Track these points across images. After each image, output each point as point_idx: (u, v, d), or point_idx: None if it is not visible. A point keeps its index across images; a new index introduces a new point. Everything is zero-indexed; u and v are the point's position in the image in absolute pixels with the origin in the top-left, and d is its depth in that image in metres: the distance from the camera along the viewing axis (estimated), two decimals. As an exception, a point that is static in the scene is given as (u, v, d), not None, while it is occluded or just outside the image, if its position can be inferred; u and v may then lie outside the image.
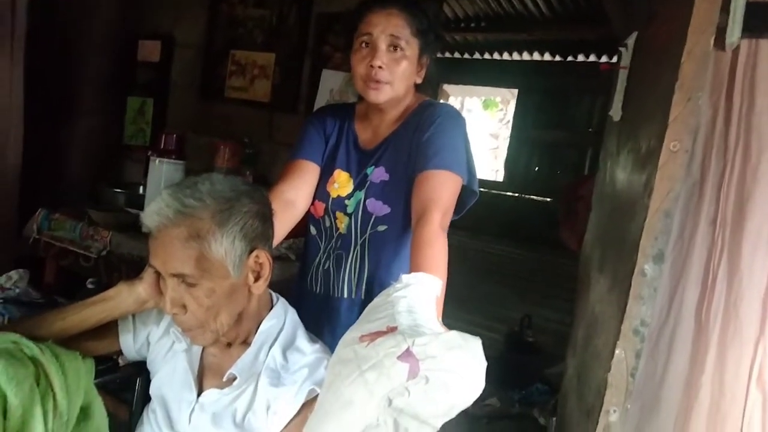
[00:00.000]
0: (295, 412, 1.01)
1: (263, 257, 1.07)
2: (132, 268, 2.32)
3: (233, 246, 1.02)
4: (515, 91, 4.83)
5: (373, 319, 0.96)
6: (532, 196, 4.13)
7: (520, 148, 4.45)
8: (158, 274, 1.08)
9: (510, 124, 5.84)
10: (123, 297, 1.10)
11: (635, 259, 1.38)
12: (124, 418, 1.26)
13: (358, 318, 1.40)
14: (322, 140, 1.51)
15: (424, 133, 1.36)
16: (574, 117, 4.29)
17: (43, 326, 1.08)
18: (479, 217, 3.86)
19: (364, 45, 1.35)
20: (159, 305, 1.10)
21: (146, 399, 1.23)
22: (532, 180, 4.22)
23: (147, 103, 3.45)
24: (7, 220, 2.90)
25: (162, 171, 2.33)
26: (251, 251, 1.06)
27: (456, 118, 1.42)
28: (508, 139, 4.41)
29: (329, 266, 1.48)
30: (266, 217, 1.10)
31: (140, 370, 1.25)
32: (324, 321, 1.44)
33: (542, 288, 4.16)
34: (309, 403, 1.01)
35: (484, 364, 0.79)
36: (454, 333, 0.81)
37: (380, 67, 1.33)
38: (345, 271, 1.46)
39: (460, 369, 0.79)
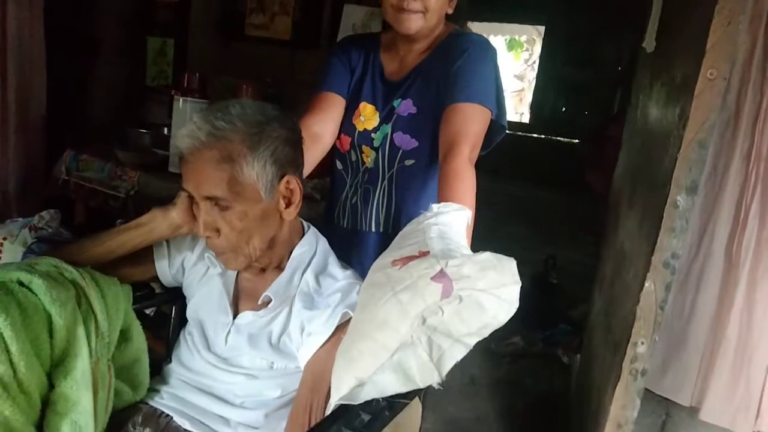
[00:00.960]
0: (329, 333, 1.03)
1: (294, 183, 1.08)
2: (161, 206, 2.35)
3: (264, 170, 1.03)
4: (541, 29, 4.69)
5: (404, 246, 0.96)
6: (558, 138, 4.05)
7: (546, 88, 4.34)
8: (191, 200, 1.09)
9: (536, 65, 5.70)
10: (157, 222, 1.11)
11: (668, 191, 1.36)
12: (160, 352, 1.30)
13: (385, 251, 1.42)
14: (347, 72, 1.48)
15: (453, 64, 1.33)
16: (603, 55, 4.14)
17: (81, 252, 1.10)
18: (504, 159, 3.80)
19: None
20: (192, 230, 1.12)
21: (182, 324, 1.27)
22: (558, 121, 4.12)
23: (167, 44, 3.41)
24: (35, 162, 2.94)
25: (186, 110, 2.32)
26: (282, 177, 1.06)
27: (487, 49, 1.37)
28: (534, 80, 4.29)
29: (357, 201, 1.48)
30: (296, 144, 1.10)
31: (175, 297, 1.27)
32: (352, 255, 1.45)
33: (567, 230, 4.13)
34: (342, 326, 1.03)
35: (518, 283, 0.79)
36: (488, 254, 0.80)
37: None
38: (372, 205, 1.46)
39: (495, 289, 0.79)
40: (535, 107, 4.52)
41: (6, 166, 2.83)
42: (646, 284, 1.38)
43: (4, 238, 2.43)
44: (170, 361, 1.22)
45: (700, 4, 1.39)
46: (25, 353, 0.89)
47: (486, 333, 0.82)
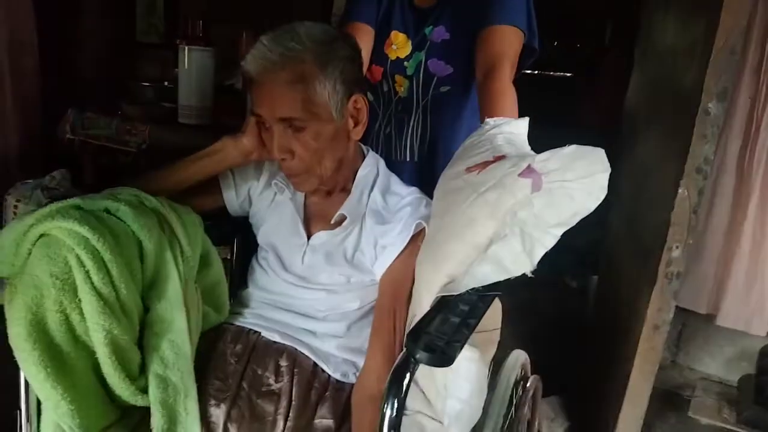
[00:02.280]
0: (404, 244, 1.07)
1: (361, 102, 1.10)
2: (175, 158, 2.33)
3: (335, 89, 1.04)
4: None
5: (472, 155, 0.99)
6: (550, 73, 4.07)
7: (537, 23, 4.32)
8: (260, 126, 1.10)
9: None
10: (229, 150, 1.13)
11: (698, 100, 1.40)
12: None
13: (422, 179, 1.46)
14: (374, 1, 1.47)
15: None
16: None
17: (155, 182, 1.12)
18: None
19: None
20: (263, 156, 1.14)
21: (246, 253, 1.30)
22: (550, 55, 4.12)
23: (157, -3, 3.33)
24: (33, 123, 2.89)
25: (192, 59, 2.29)
26: (350, 95, 1.08)
27: None
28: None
29: (390, 131, 1.50)
30: (359, 63, 1.12)
31: (238, 228, 1.30)
32: None
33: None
34: (417, 236, 1.07)
35: (608, 170, 0.83)
36: (575, 146, 0.85)
37: None
38: (407, 134, 1.48)
39: (583, 178, 0.83)
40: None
41: (4, 126, 2.77)
42: (680, 190, 1.44)
43: (18, 200, 2.41)
44: (246, 287, 1.26)
45: None
46: (123, 276, 0.92)
47: (574, 221, 0.86)
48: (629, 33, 2.55)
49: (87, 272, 0.89)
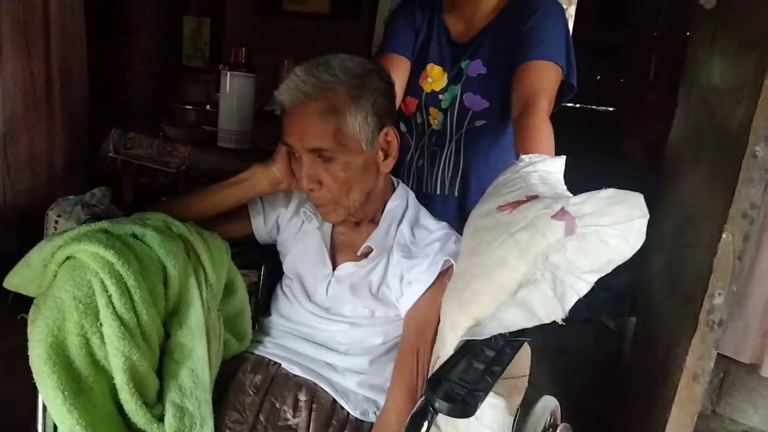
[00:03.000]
0: (431, 281, 1.05)
1: (392, 135, 1.09)
2: (213, 181, 2.36)
3: (366, 121, 1.04)
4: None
5: (505, 193, 0.97)
6: (593, 106, 4.02)
7: (579, 55, 4.29)
8: (289, 156, 1.10)
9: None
10: (258, 178, 1.13)
11: (745, 142, 1.35)
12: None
13: (452, 213, 1.43)
14: (412, 33, 1.47)
15: (525, 23, 1.32)
16: (638, 20, 4.09)
17: (184, 208, 1.13)
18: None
19: None
20: (291, 186, 1.14)
21: (273, 280, 1.29)
22: (593, 89, 4.08)
23: (203, 23, 3.42)
24: (80, 139, 2.98)
25: (234, 85, 2.33)
26: (381, 128, 1.08)
27: (558, 7, 1.37)
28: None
29: (423, 163, 1.48)
30: (392, 96, 1.12)
31: (265, 255, 1.30)
32: None
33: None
34: (444, 273, 1.04)
35: (646, 215, 0.79)
36: (612, 190, 0.81)
37: None
38: (439, 167, 1.46)
39: (620, 223, 0.79)
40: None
41: (53, 144, 2.87)
42: (724, 235, 1.38)
43: (59, 215, 2.47)
44: (270, 314, 1.25)
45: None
46: (146, 302, 0.92)
47: (609, 269, 0.83)
48: (674, 68, 2.50)
49: (110, 297, 0.89)
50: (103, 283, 0.89)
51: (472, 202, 1.41)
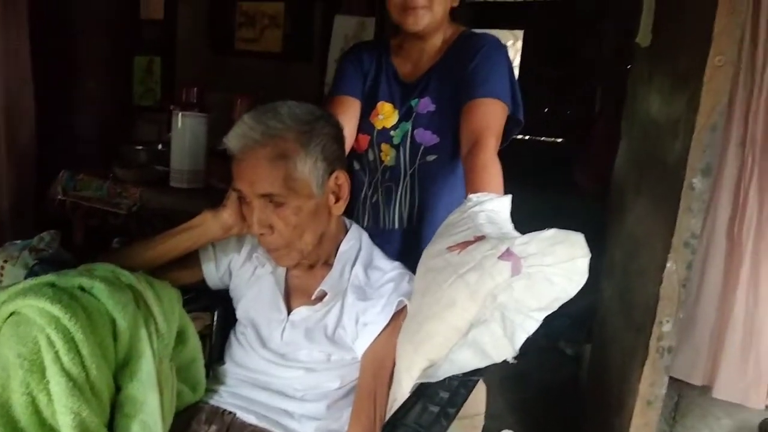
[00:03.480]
0: (386, 322, 1.06)
1: (342, 178, 1.11)
2: (165, 221, 2.34)
3: (316, 166, 1.06)
4: (519, 34, 4.82)
5: (454, 233, 0.99)
6: (542, 138, 4.15)
7: (528, 90, 4.44)
8: (240, 201, 1.10)
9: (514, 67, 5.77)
10: (209, 224, 1.13)
11: (683, 175, 1.41)
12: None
13: (409, 247, 1.45)
14: (360, 75, 1.51)
15: (470, 63, 1.37)
16: (582, 55, 4.27)
17: (134, 256, 1.11)
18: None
19: None
20: (243, 231, 1.14)
21: (226, 326, 1.28)
22: (541, 122, 4.23)
23: (155, 62, 3.41)
24: (27, 184, 2.90)
25: (186, 125, 2.32)
26: (332, 172, 1.09)
27: (500, 47, 1.42)
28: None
29: (377, 199, 1.50)
30: (341, 141, 1.14)
31: (218, 300, 1.28)
32: None
33: (557, 227, 4.22)
34: (399, 314, 1.05)
35: (588, 255, 0.82)
36: (554, 230, 0.84)
37: None
38: (395, 202, 1.48)
39: (563, 262, 0.82)
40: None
41: (-1, 187, 2.78)
42: (668, 264, 1.43)
43: (5, 261, 2.38)
44: (224, 362, 1.23)
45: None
46: (95, 356, 0.90)
47: (555, 306, 0.85)
48: (618, 99, 2.60)
49: (57, 353, 0.87)
50: (49, 338, 0.87)
51: (428, 235, 1.42)
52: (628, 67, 2.19)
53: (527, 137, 4.11)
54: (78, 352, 0.88)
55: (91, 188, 2.56)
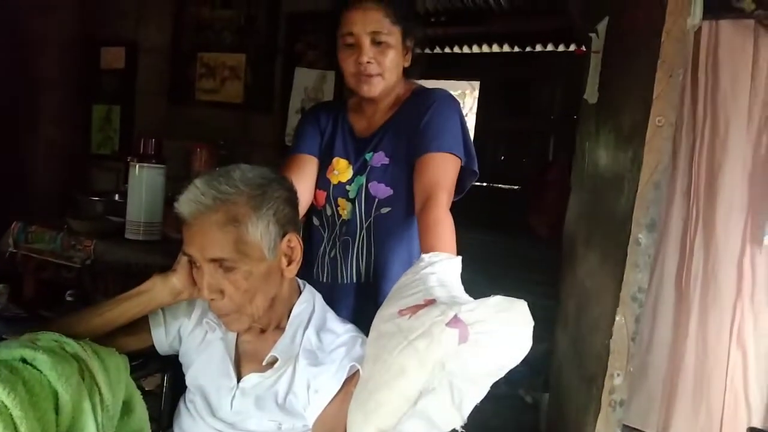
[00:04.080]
0: (338, 388, 1.05)
1: (295, 241, 1.11)
2: (119, 275, 2.29)
3: (268, 229, 1.06)
4: (476, 84, 4.97)
5: (406, 295, 1.00)
6: (499, 185, 4.24)
7: (484, 139, 4.55)
8: (190, 265, 1.09)
9: (467, 117, 5.97)
10: (158, 289, 1.11)
11: (629, 230, 1.46)
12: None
13: (367, 301, 1.46)
14: (317, 133, 1.54)
15: (421, 118, 1.40)
16: (536, 106, 4.42)
17: (81, 323, 1.09)
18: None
19: (349, 43, 1.38)
20: (193, 295, 1.12)
21: (175, 393, 1.25)
22: (498, 169, 4.34)
23: (113, 111, 3.39)
24: (-24, 237, 2.81)
25: (143, 176, 2.30)
26: (284, 235, 1.09)
27: (451, 101, 1.46)
28: (473, 131, 4.53)
29: (335, 254, 1.51)
30: (294, 203, 1.14)
31: (167, 366, 1.26)
32: (334, 308, 1.48)
33: (513, 273, 4.27)
34: (350, 379, 1.05)
35: (531, 323, 0.84)
36: (499, 297, 0.86)
37: (368, 62, 1.37)
38: (352, 256, 1.49)
39: (509, 330, 0.84)
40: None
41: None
42: (617, 318, 1.46)
43: (-50, 318, 2.30)
44: (172, 431, 1.20)
45: (640, 59, 1.54)
46: (34, 432, 0.87)
47: (502, 373, 0.86)
48: (570, 149, 2.69)
49: (-8, 431, 0.84)
50: (-15, 416, 0.84)
51: (387, 288, 1.43)
52: (575, 117, 2.27)
53: (485, 184, 4.19)
54: (15, 430, 0.85)
55: (44, 240, 2.50)
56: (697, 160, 1.98)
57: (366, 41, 1.36)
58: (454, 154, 1.36)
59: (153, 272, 1.80)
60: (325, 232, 1.54)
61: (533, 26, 3.93)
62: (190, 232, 1.05)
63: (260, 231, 1.05)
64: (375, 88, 1.41)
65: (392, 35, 1.38)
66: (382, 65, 1.39)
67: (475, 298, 0.95)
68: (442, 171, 1.33)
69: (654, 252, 1.57)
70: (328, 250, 1.52)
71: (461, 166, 1.40)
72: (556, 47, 4.03)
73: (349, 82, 1.43)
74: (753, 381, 1.93)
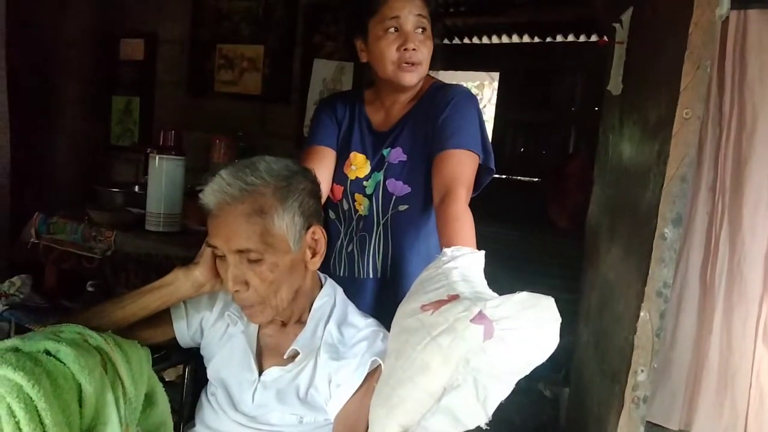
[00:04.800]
0: (359, 382, 1.04)
1: (319, 233, 1.11)
2: (140, 266, 2.31)
3: (293, 221, 1.06)
4: (495, 75, 4.92)
5: (428, 290, 0.99)
6: (518, 177, 4.21)
7: (504, 130, 4.50)
8: (214, 258, 1.09)
9: (486, 109, 5.92)
10: (180, 282, 1.11)
11: (654, 224, 1.43)
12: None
13: (385, 297, 1.45)
14: (334, 125, 1.53)
15: (440, 114, 1.39)
16: (556, 98, 4.37)
17: (103, 316, 1.09)
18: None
19: (393, 29, 1.35)
20: (216, 288, 1.12)
21: (197, 386, 1.25)
22: (518, 161, 4.30)
23: (133, 102, 3.41)
24: (0, 226, 2.86)
25: (163, 168, 2.31)
26: (309, 227, 1.09)
27: (470, 98, 1.45)
28: (492, 122, 4.49)
29: (353, 248, 1.50)
30: (318, 196, 1.14)
31: (189, 358, 1.26)
32: (353, 302, 1.47)
33: (533, 266, 4.24)
34: (372, 374, 1.04)
35: (558, 320, 0.83)
36: (526, 293, 0.84)
37: (414, 49, 1.35)
38: (369, 252, 1.48)
39: (535, 327, 0.82)
40: (494, 148, 4.67)
41: (-30, 232, 2.74)
42: (642, 314, 1.43)
43: (-27, 307, 2.34)
44: (193, 425, 1.20)
45: (667, 49, 1.51)
46: (58, 425, 0.87)
47: (528, 370, 0.85)
48: (592, 141, 2.65)
49: (17, 423, 0.84)
50: (10, 408, 0.84)
51: (404, 284, 1.43)
52: (596, 109, 2.23)
53: (504, 176, 4.16)
54: (40, 422, 0.85)
55: (66, 231, 2.52)
56: (723, 153, 1.94)
57: (411, 27, 1.35)
58: (473, 151, 1.35)
59: (173, 263, 1.82)
60: (341, 226, 1.53)
61: (554, 16, 3.87)
62: (216, 223, 1.05)
63: (286, 223, 1.05)
64: (416, 76, 1.39)
65: (430, 25, 1.38)
66: (423, 54, 1.37)
67: (495, 290, 0.94)
68: (461, 167, 1.32)
69: (679, 247, 1.54)
70: (345, 245, 1.52)
71: (479, 164, 1.38)
72: (578, 38, 3.97)
73: (387, 71, 1.39)
74: (779, 378, 1.90)
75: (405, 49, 1.35)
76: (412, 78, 1.39)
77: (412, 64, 1.36)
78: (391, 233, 1.47)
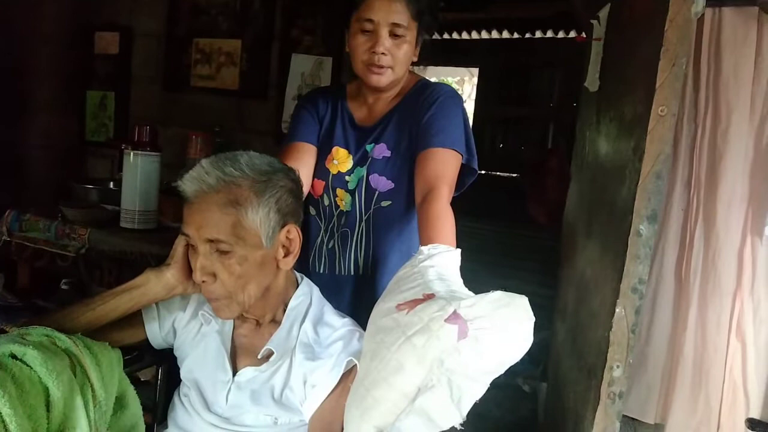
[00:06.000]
0: (335, 383, 1.03)
1: (294, 233, 1.10)
2: (115, 263, 2.28)
3: (268, 217, 1.04)
4: (475, 71, 4.94)
5: (404, 289, 0.98)
6: (498, 173, 4.23)
7: (483, 126, 4.53)
8: (186, 259, 1.07)
9: (468, 104, 5.94)
10: (152, 284, 1.09)
11: (629, 221, 1.44)
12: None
13: (365, 294, 1.44)
14: (315, 121, 1.51)
15: (425, 112, 1.39)
16: (535, 94, 4.40)
17: (72, 318, 1.07)
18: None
19: (366, 30, 1.34)
20: (188, 290, 1.11)
21: (171, 386, 1.23)
22: (497, 157, 4.32)
23: (108, 97, 3.35)
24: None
25: (138, 164, 2.27)
26: (283, 225, 1.08)
27: (455, 98, 1.45)
28: (472, 118, 4.51)
29: (334, 245, 1.49)
30: (298, 196, 1.13)
31: (162, 359, 1.24)
32: (331, 300, 1.46)
33: (512, 261, 4.26)
34: (348, 374, 1.03)
35: (532, 319, 0.83)
36: (500, 292, 0.84)
37: (383, 53, 1.34)
38: (351, 248, 1.47)
39: (510, 326, 0.82)
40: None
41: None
42: (617, 310, 1.44)
43: (-58, 308, 2.29)
44: (166, 426, 1.18)
45: (642, 47, 1.51)
46: (24, 430, 0.85)
47: (502, 370, 0.85)
48: (570, 136, 2.66)
49: (-19, 429, 0.82)
50: (-27, 414, 0.82)
51: (385, 281, 1.42)
52: (574, 105, 2.25)
53: (484, 171, 4.18)
54: (5, 428, 0.83)
55: (38, 229, 2.47)
56: (698, 150, 1.96)
57: (384, 32, 1.34)
58: (456, 151, 1.35)
59: (148, 261, 1.78)
60: (322, 223, 1.52)
61: (533, 12, 3.89)
62: (190, 211, 1.04)
63: (260, 217, 1.04)
64: (384, 79, 1.39)
65: (410, 30, 1.37)
66: (394, 58, 1.37)
67: (473, 286, 0.94)
68: (444, 166, 1.32)
69: (654, 243, 1.55)
70: (326, 241, 1.51)
71: (462, 164, 1.38)
72: (556, 34, 3.99)
73: (357, 68, 1.41)
74: (752, 372, 1.92)
75: (373, 52, 1.34)
76: (379, 80, 1.38)
77: (380, 66, 1.35)
78: (373, 229, 1.46)
